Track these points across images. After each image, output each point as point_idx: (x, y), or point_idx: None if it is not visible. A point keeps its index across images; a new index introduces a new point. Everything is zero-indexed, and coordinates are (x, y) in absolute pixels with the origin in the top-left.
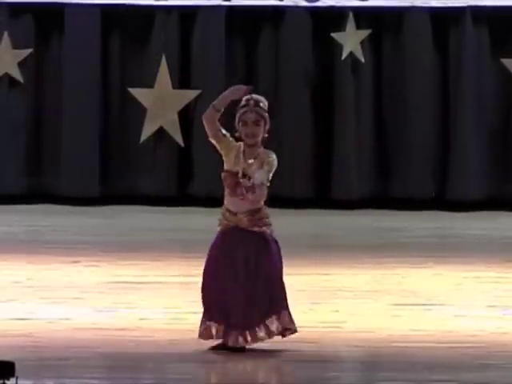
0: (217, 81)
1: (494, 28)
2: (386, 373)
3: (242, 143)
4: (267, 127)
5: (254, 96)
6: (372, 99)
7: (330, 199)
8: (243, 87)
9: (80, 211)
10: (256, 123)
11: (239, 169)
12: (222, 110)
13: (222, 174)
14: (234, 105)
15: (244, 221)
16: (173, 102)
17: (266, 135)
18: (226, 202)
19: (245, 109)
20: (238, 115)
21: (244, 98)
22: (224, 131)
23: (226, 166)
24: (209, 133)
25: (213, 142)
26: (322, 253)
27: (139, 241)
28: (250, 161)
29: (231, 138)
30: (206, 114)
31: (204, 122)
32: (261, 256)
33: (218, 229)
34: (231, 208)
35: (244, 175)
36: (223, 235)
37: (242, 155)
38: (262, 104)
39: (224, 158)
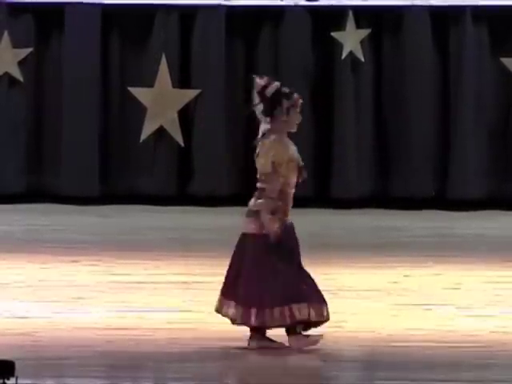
0: (217, 80)
1: (494, 27)
2: (386, 372)
3: (278, 136)
4: None
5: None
6: (372, 98)
7: (329, 198)
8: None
9: (80, 210)
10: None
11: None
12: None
13: (297, 172)
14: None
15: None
16: (173, 101)
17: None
18: (284, 200)
19: (297, 96)
20: (290, 102)
21: (282, 87)
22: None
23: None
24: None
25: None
26: (321, 252)
27: (139, 240)
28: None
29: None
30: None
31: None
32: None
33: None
34: (290, 204)
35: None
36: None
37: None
38: None
39: (289, 165)
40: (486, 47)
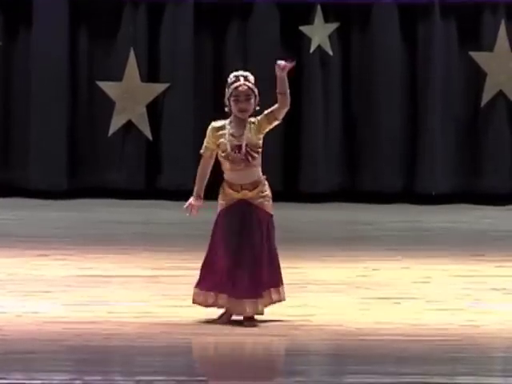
0: (185, 74)
1: (463, 21)
2: (354, 366)
3: (224, 121)
4: (257, 100)
5: (243, 72)
6: (340, 92)
7: (298, 192)
8: (283, 64)
9: (48, 205)
10: (248, 98)
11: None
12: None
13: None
14: (225, 82)
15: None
16: (141, 96)
17: (258, 108)
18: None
19: (236, 85)
20: (229, 91)
21: (232, 75)
22: (206, 149)
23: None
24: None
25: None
26: (290, 246)
27: (107, 234)
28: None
29: (211, 141)
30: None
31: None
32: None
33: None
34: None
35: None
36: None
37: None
38: (250, 78)
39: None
40: (455, 41)
